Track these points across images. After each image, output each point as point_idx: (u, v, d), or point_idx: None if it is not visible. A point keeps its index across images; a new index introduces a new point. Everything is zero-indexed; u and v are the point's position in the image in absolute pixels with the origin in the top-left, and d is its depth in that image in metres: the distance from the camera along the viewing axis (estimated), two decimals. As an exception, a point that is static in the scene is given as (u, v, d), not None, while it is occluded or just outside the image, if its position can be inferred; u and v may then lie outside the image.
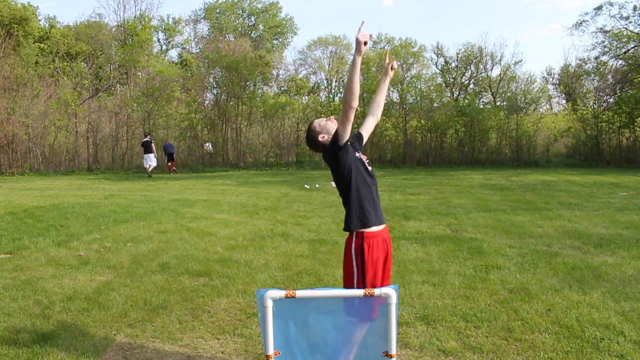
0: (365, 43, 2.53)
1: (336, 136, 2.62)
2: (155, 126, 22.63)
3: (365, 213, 2.64)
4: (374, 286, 2.64)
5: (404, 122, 23.39)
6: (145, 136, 19.56)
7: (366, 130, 2.97)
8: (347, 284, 2.67)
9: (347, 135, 2.60)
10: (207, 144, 22.83)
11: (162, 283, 4.58)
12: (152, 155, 18.92)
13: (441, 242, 6.14)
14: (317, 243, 6.18)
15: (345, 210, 2.70)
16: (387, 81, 3.02)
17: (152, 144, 19.25)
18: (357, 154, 2.72)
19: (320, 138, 2.77)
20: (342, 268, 2.74)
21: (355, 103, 2.52)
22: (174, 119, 23.56)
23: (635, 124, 21.54)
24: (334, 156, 2.66)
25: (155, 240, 6.37)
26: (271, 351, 2.78)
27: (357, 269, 2.61)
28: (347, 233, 2.71)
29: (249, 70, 23.26)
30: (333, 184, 3.03)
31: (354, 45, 2.60)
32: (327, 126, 2.78)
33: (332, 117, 2.85)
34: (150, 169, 18.79)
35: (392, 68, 3.00)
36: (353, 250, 2.63)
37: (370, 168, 2.75)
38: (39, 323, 3.64)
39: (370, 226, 2.65)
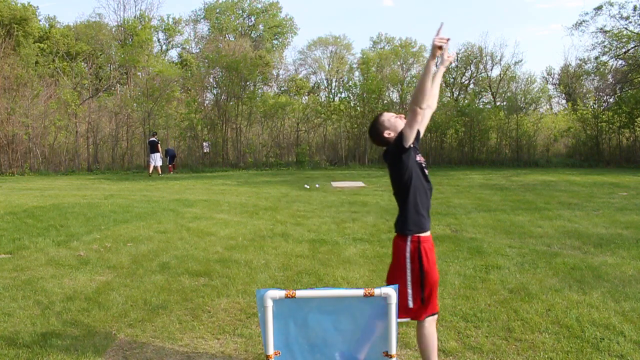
0: (441, 47, 2.41)
1: (401, 137, 2.54)
2: (155, 126, 22.65)
3: (421, 218, 2.65)
4: (433, 291, 2.64)
5: (404, 122, 23.37)
6: (152, 135, 19.53)
7: (423, 124, 2.89)
8: (399, 288, 2.63)
9: (412, 138, 2.53)
10: (204, 143, 22.89)
11: (162, 283, 4.58)
12: (157, 155, 18.92)
13: (441, 242, 6.14)
14: (317, 243, 6.18)
15: (400, 213, 2.68)
16: (442, 70, 2.92)
17: (159, 144, 19.23)
18: (417, 157, 2.67)
19: (386, 134, 2.70)
20: (390, 271, 2.71)
21: (425, 105, 2.46)
22: (174, 119, 23.57)
23: (635, 124, 21.54)
24: (397, 158, 2.60)
25: (155, 240, 6.37)
26: (271, 351, 2.78)
27: (411, 273, 2.60)
28: (394, 233, 2.69)
29: (249, 70, 23.27)
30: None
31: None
32: (396, 124, 2.70)
33: (403, 115, 2.73)
34: (152, 169, 18.78)
35: (448, 56, 2.85)
36: (409, 254, 2.61)
37: (427, 172, 2.71)
38: (39, 323, 3.64)
39: (426, 231, 2.66)
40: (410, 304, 2.61)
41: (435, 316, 2.74)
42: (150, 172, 18.75)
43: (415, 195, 2.64)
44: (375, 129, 2.74)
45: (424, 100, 2.43)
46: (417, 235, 2.63)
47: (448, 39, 2.42)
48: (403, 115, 2.72)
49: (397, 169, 2.62)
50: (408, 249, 2.62)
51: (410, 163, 2.60)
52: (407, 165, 2.60)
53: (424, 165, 2.70)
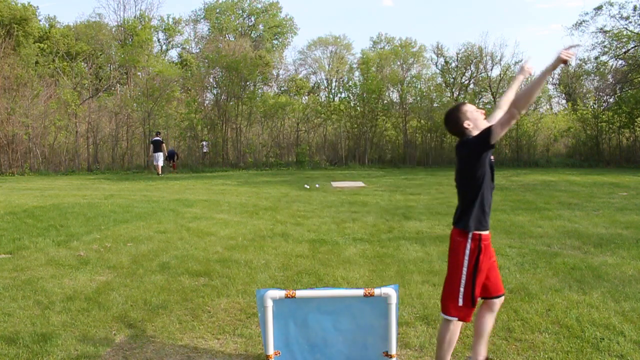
0: (565, 62, 2.42)
1: (489, 134, 2.50)
2: (155, 126, 22.66)
3: (485, 216, 2.65)
4: (481, 289, 2.68)
5: (404, 122, 23.39)
6: (156, 135, 19.61)
7: None
8: (452, 283, 2.67)
9: (498, 139, 2.52)
10: (202, 143, 22.91)
11: (162, 283, 4.58)
12: (161, 155, 18.99)
13: (441, 242, 6.14)
14: (317, 243, 6.18)
15: (463, 209, 2.67)
16: (521, 79, 2.92)
17: (163, 144, 19.31)
18: (491, 157, 2.66)
19: (466, 124, 2.68)
20: (448, 266, 2.72)
21: (524, 112, 2.49)
22: (174, 119, 23.57)
23: (635, 124, 21.54)
24: (476, 154, 2.58)
25: (155, 240, 6.37)
26: (271, 351, 2.78)
27: (467, 271, 2.62)
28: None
29: (249, 70, 23.26)
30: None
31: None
32: (478, 118, 2.68)
33: (484, 111, 2.73)
34: (159, 169, 18.94)
35: (528, 68, 2.90)
36: (468, 252, 2.62)
37: (494, 171, 2.72)
38: (39, 323, 3.64)
39: (487, 229, 2.66)
40: (460, 302, 2.63)
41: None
42: (158, 172, 18.92)
43: (484, 192, 2.64)
44: (456, 117, 2.71)
45: (525, 107, 2.44)
46: (479, 232, 2.63)
47: (574, 54, 2.43)
48: (484, 111, 2.73)
49: (472, 164, 2.61)
50: (468, 246, 2.62)
51: (487, 161, 2.62)
52: (483, 162, 2.61)
53: (494, 164, 2.70)
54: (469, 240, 2.62)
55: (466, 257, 2.62)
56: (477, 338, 2.85)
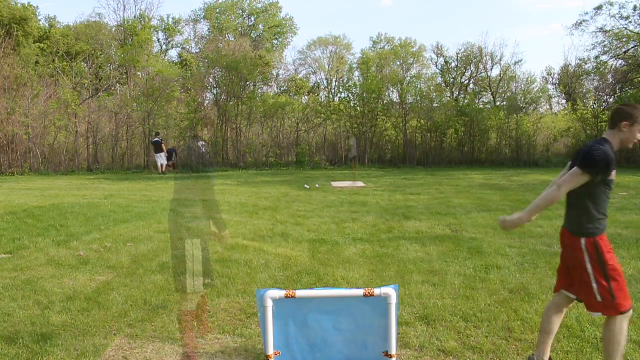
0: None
1: (607, 175, 2.59)
2: (155, 126, 22.67)
3: (601, 220, 2.67)
4: (620, 284, 2.62)
5: (404, 122, 23.38)
6: (156, 136, 19.91)
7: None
8: (585, 283, 2.67)
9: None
10: (200, 143, 22.90)
11: (162, 283, 4.58)
12: (162, 155, 19.40)
13: (441, 242, 6.14)
14: (317, 243, 6.18)
15: (579, 214, 2.69)
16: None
17: (163, 144, 19.67)
18: (612, 175, 2.65)
19: (624, 125, 2.62)
20: (576, 272, 2.73)
21: (556, 200, 2.66)
22: (174, 119, 23.58)
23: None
24: (596, 173, 2.59)
25: (155, 240, 6.37)
26: (271, 351, 2.78)
27: (593, 270, 2.62)
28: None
29: (249, 70, 23.26)
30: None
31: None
32: (635, 134, 2.64)
33: (636, 142, 2.71)
34: (163, 168, 19.29)
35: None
36: (585, 249, 2.64)
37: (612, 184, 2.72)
38: (39, 323, 3.64)
39: (602, 231, 2.68)
40: (599, 298, 2.62)
41: (629, 314, 2.67)
42: (161, 171, 19.27)
43: (602, 202, 2.66)
44: (628, 113, 2.64)
45: (552, 204, 2.72)
46: (596, 237, 2.65)
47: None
48: (635, 142, 2.71)
49: (592, 178, 2.62)
50: (584, 245, 2.64)
51: (608, 181, 2.64)
52: (598, 180, 2.63)
53: (613, 180, 2.69)
54: (584, 244, 2.65)
55: (586, 255, 2.64)
56: (542, 335, 2.85)
